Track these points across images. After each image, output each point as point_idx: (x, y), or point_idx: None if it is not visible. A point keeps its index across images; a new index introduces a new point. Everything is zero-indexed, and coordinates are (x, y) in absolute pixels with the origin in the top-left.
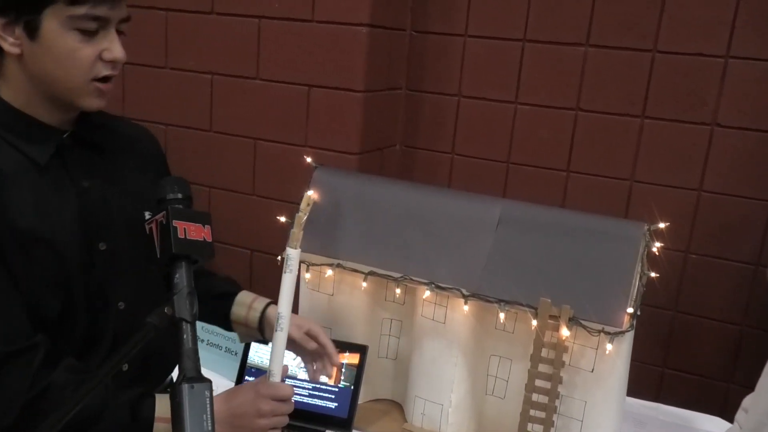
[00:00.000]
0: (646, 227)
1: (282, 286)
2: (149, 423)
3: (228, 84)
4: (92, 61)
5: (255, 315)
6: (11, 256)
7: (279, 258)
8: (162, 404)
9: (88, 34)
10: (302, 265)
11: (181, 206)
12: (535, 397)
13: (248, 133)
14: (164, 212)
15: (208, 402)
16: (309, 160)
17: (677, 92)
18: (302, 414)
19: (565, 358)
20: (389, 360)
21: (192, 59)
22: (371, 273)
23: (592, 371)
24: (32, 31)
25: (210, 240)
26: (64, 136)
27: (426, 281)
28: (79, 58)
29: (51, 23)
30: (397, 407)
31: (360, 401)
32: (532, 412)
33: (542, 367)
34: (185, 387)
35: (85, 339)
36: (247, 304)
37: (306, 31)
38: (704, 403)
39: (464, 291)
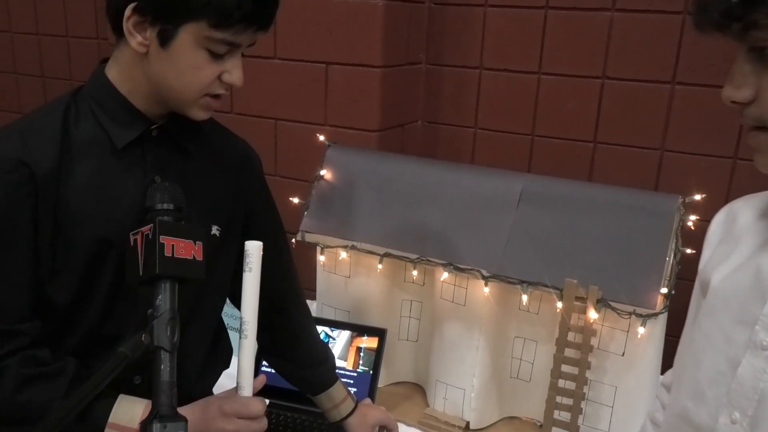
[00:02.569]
0: (680, 199)
1: (244, 287)
2: (99, 428)
3: (246, 64)
4: (211, 81)
5: (336, 416)
6: (46, 229)
7: (293, 240)
8: (124, 409)
9: (216, 56)
10: (317, 247)
11: (170, 219)
12: (561, 383)
13: (268, 114)
14: (151, 225)
15: None
16: (322, 138)
17: (711, 56)
18: None
19: (593, 341)
20: (410, 342)
21: None
22: (387, 255)
23: (623, 355)
24: (165, 39)
25: (201, 258)
26: (153, 127)
27: (444, 262)
28: (202, 75)
29: (186, 37)
30: (418, 391)
31: (381, 385)
32: (558, 399)
33: (569, 352)
34: (157, 426)
35: (100, 328)
36: (334, 402)
37: (323, 8)
38: None
39: (484, 272)
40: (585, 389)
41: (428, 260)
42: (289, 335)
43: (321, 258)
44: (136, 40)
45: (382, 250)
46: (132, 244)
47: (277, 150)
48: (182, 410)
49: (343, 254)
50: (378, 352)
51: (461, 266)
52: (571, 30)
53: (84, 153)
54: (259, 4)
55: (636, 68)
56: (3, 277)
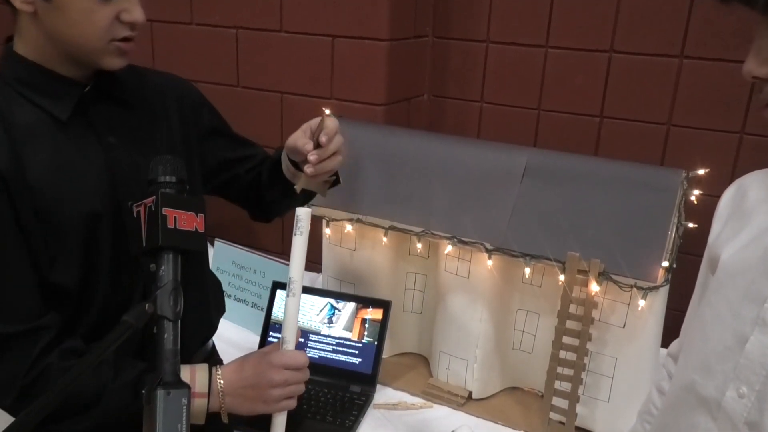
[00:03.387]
0: (683, 174)
1: (293, 249)
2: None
3: (253, 38)
4: (109, 23)
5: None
6: (29, 222)
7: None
8: None
9: None
10: (323, 220)
11: (172, 191)
12: (563, 354)
13: (275, 87)
14: (154, 197)
15: (184, 410)
16: (327, 111)
17: (719, 30)
18: (326, 370)
19: (595, 314)
20: (414, 314)
21: (217, 14)
22: (392, 228)
23: (624, 327)
24: None
25: (202, 231)
26: (86, 89)
27: (448, 235)
28: (95, 20)
29: None
30: (422, 361)
31: (385, 356)
32: (559, 369)
33: (570, 324)
34: (161, 393)
35: (112, 304)
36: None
37: None
38: None
39: (487, 245)
40: (586, 360)
41: (432, 233)
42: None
43: (327, 231)
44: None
45: (387, 224)
46: (135, 215)
47: (283, 123)
48: (236, 362)
49: (349, 227)
50: (383, 324)
51: (465, 239)
52: (578, 3)
53: (32, 136)
54: None
55: (644, 42)
56: (12, 278)
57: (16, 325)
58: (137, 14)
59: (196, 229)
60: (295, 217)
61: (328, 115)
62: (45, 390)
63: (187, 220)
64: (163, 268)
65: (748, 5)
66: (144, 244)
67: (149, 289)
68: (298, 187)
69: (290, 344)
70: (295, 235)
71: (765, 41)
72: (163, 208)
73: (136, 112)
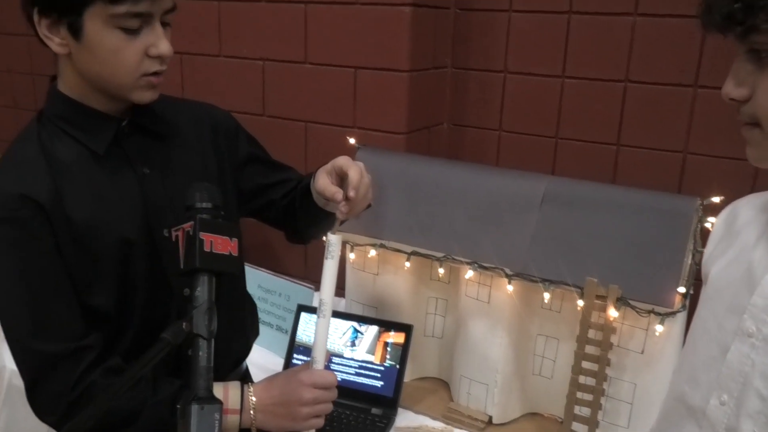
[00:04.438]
0: (698, 202)
1: (324, 273)
2: None
3: (279, 69)
4: (138, 59)
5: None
6: (68, 249)
7: (324, 238)
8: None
9: (132, 32)
10: (347, 245)
11: (209, 216)
12: (582, 379)
13: (299, 117)
14: (192, 222)
15: (216, 425)
16: (352, 141)
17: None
18: (348, 392)
19: (614, 339)
20: (435, 339)
21: (244, 46)
22: (414, 253)
23: (642, 353)
24: (76, 31)
25: (236, 254)
26: (123, 124)
27: (469, 261)
28: (125, 56)
29: (93, 23)
30: (443, 386)
31: (406, 380)
32: (579, 395)
33: (589, 349)
34: (195, 408)
35: (147, 325)
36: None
37: (351, 14)
38: None
39: (507, 270)
40: (605, 385)
41: (454, 259)
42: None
43: (350, 256)
44: (54, 43)
45: (409, 249)
46: (174, 239)
47: (307, 152)
48: (267, 380)
49: (372, 252)
50: (405, 347)
51: (485, 265)
52: (594, 34)
53: (71, 169)
54: None
55: (659, 72)
56: (56, 301)
57: (62, 344)
58: (164, 48)
59: (230, 252)
60: (327, 242)
61: (349, 165)
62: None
63: (222, 244)
64: (199, 289)
65: (723, 33)
66: (182, 266)
67: (183, 310)
68: (334, 230)
69: (320, 364)
70: (327, 258)
71: (740, 65)
72: (201, 233)
73: (170, 142)
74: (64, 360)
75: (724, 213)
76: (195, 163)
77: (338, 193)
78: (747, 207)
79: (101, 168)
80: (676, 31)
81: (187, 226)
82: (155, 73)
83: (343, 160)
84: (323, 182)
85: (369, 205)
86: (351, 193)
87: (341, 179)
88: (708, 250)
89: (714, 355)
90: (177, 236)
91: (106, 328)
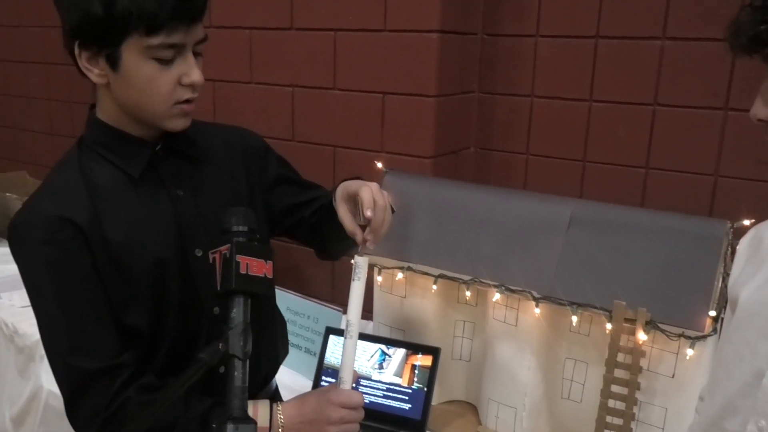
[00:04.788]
0: (728, 225)
1: (351, 294)
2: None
3: (308, 95)
4: (172, 88)
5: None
6: (106, 269)
7: (352, 261)
8: None
9: (165, 62)
10: (374, 268)
11: (245, 239)
12: (611, 403)
13: (328, 141)
14: (229, 245)
15: None
16: (379, 165)
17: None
18: (376, 415)
19: (643, 363)
20: (463, 362)
21: (275, 73)
22: (441, 276)
23: (673, 377)
24: (114, 62)
25: (270, 276)
26: (157, 148)
27: (496, 284)
28: (159, 85)
29: (130, 54)
30: (471, 409)
31: (434, 403)
32: (608, 419)
33: (618, 373)
34: (230, 427)
35: (179, 343)
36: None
37: (379, 41)
38: None
39: (535, 293)
40: (635, 410)
41: (481, 281)
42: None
43: (378, 278)
44: (94, 73)
45: (436, 272)
46: (210, 261)
47: (335, 176)
48: (295, 399)
49: (399, 275)
50: (432, 370)
51: (513, 288)
52: (621, 58)
53: (109, 194)
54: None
55: (688, 95)
56: (93, 320)
57: (98, 362)
58: (196, 76)
59: (265, 275)
60: (354, 264)
61: (360, 186)
62: (124, 422)
63: (257, 267)
64: (234, 310)
65: (750, 55)
66: (218, 288)
67: (214, 329)
68: (360, 252)
69: (347, 384)
70: (354, 280)
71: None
72: (237, 255)
73: (202, 165)
74: (100, 376)
75: (748, 236)
76: (226, 184)
77: (357, 230)
78: None
79: (137, 191)
80: (705, 54)
81: (224, 248)
82: (187, 101)
83: (355, 185)
84: (342, 214)
85: (392, 210)
86: (368, 213)
87: (355, 204)
88: (734, 275)
89: (749, 381)
90: (214, 258)
91: (140, 345)
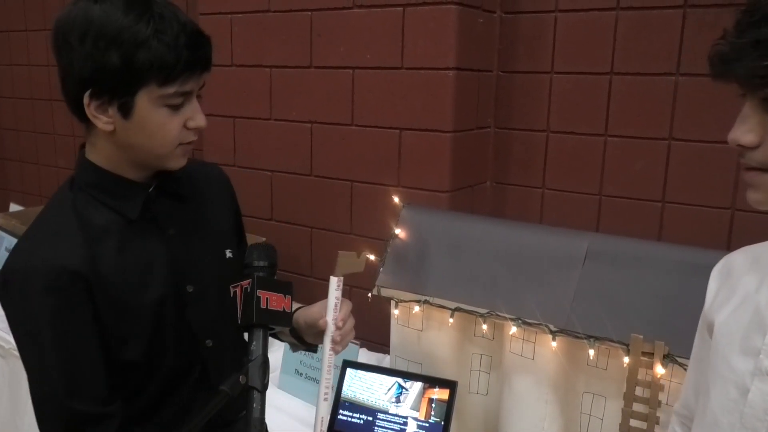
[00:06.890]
0: None
1: (329, 295)
2: None
3: (326, 131)
4: (179, 131)
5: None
6: (105, 311)
7: (369, 295)
8: None
9: (175, 108)
10: (391, 301)
11: (265, 274)
12: None
13: (345, 176)
14: (250, 280)
15: None
16: (396, 199)
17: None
18: None
19: (662, 396)
20: (480, 395)
21: (294, 110)
22: (458, 309)
23: None
24: (126, 111)
25: (289, 310)
26: (150, 190)
27: (513, 317)
28: (168, 130)
29: (143, 102)
30: None
31: None
32: None
33: (637, 407)
34: None
35: (174, 375)
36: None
37: (396, 78)
38: None
39: (551, 327)
40: None
41: (497, 315)
42: None
43: (395, 312)
44: (101, 121)
45: (453, 305)
46: (231, 295)
47: (352, 210)
48: None
49: (416, 308)
50: (449, 404)
51: (529, 321)
52: (636, 94)
53: (105, 236)
54: (195, 51)
55: (702, 129)
56: (89, 365)
57: (93, 406)
58: (201, 121)
59: (284, 308)
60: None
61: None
62: None
63: (277, 301)
64: (254, 343)
65: (738, 83)
66: (239, 321)
67: (208, 362)
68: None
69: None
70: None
71: (751, 113)
72: (258, 290)
73: (191, 203)
74: (95, 421)
75: (718, 266)
76: (212, 221)
77: (322, 320)
78: (741, 257)
79: (132, 232)
80: (720, 89)
81: (245, 283)
82: (188, 142)
83: (314, 317)
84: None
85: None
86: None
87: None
88: (708, 301)
89: (734, 397)
90: (235, 292)
91: (134, 377)
